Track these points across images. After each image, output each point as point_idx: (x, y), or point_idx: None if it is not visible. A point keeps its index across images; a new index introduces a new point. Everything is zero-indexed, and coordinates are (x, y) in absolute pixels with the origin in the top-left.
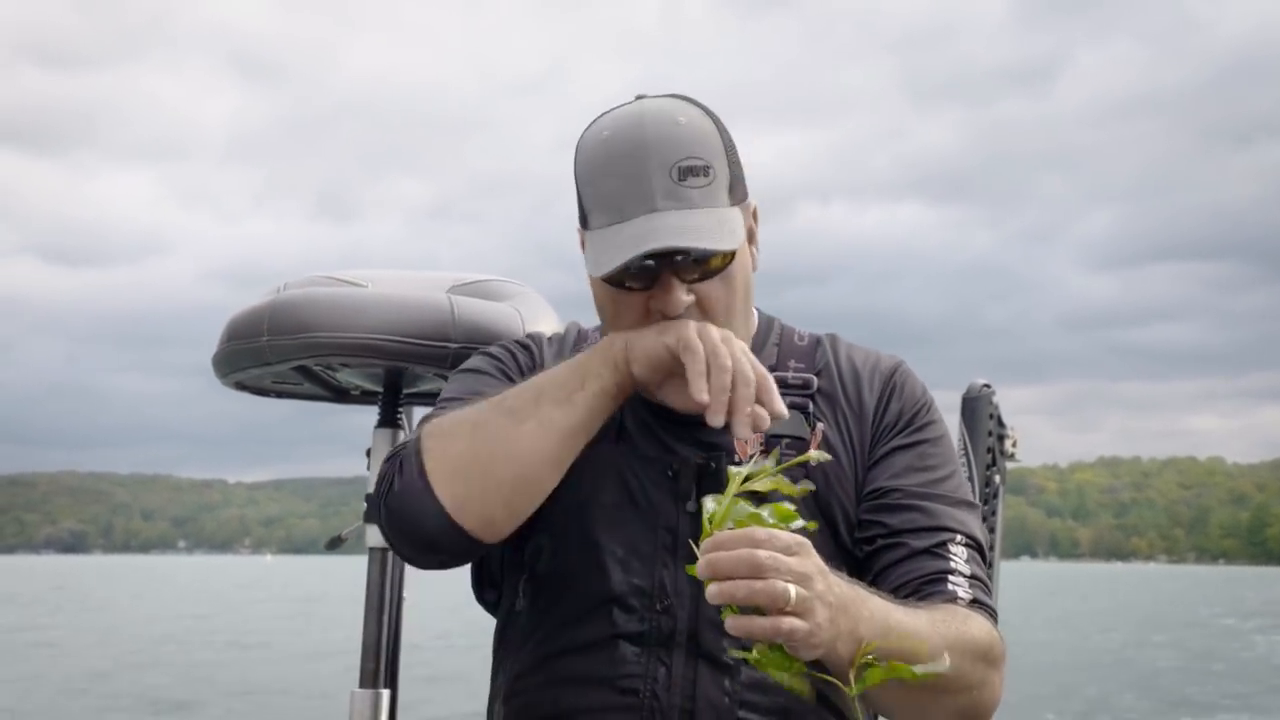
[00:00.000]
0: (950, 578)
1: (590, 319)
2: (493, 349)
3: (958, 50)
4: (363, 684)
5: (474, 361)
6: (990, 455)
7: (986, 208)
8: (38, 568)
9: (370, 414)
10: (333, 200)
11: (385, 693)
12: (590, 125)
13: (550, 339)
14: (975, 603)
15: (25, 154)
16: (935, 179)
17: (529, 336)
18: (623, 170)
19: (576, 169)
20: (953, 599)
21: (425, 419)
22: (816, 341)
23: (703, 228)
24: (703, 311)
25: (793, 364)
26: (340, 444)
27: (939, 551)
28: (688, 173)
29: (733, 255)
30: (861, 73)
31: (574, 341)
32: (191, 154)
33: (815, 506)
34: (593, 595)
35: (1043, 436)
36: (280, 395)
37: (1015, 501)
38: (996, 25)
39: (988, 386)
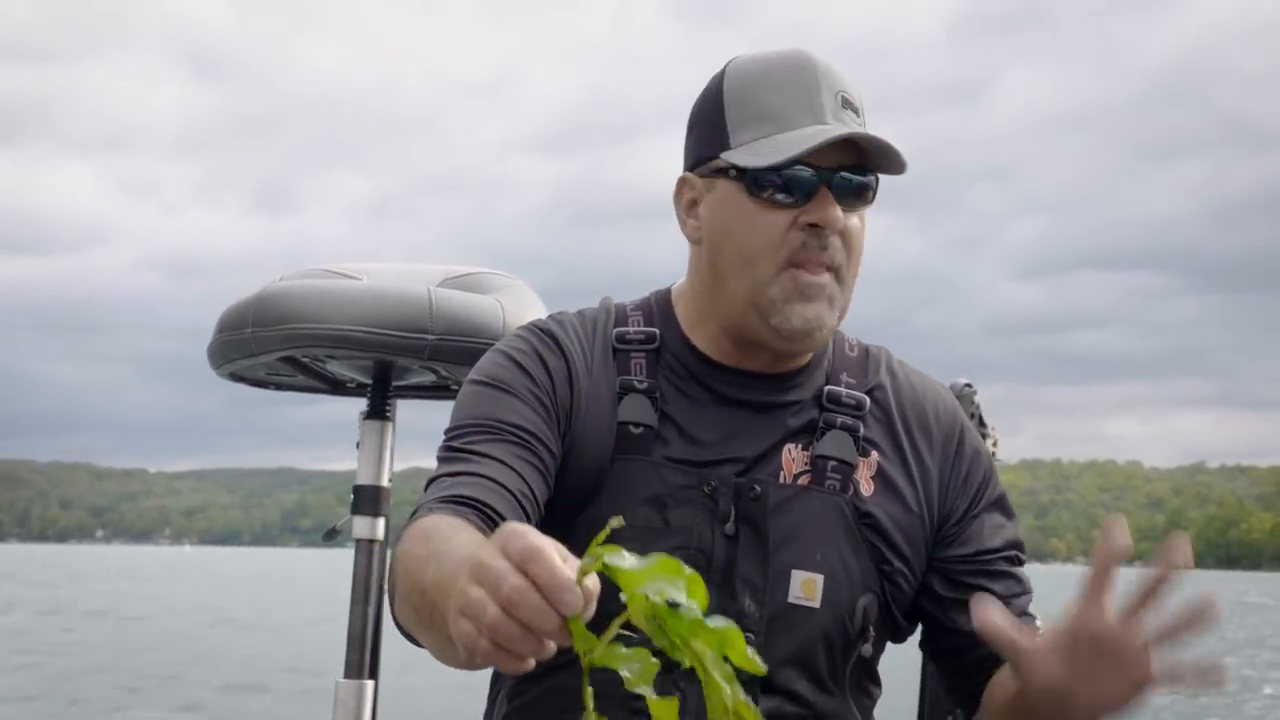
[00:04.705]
0: None
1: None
2: (507, 345)
3: (893, 66)
4: (348, 674)
5: (489, 365)
6: None
7: (917, 216)
8: None
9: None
10: (274, 194)
11: (369, 683)
12: (733, 60)
13: (582, 316)
14: None
15: None
16: None
17: (553, 320)
18: (789, 86)
19: (725, 91)
20: None
21: (428, 481)
22: (866, 353)
23: (887, 144)
24: (845, 243)
25: (845, 377)
26: (270, 435)
27: (1029, 615)
28: (848, 104)
29: (875, 192)
30: None
31: (614, 321)
32: (141, 147)
33: (860, 534)
34: (612, 616)
35: None
36: (279, 387)
37: None
38: (930, 44)
39: (969, 386)
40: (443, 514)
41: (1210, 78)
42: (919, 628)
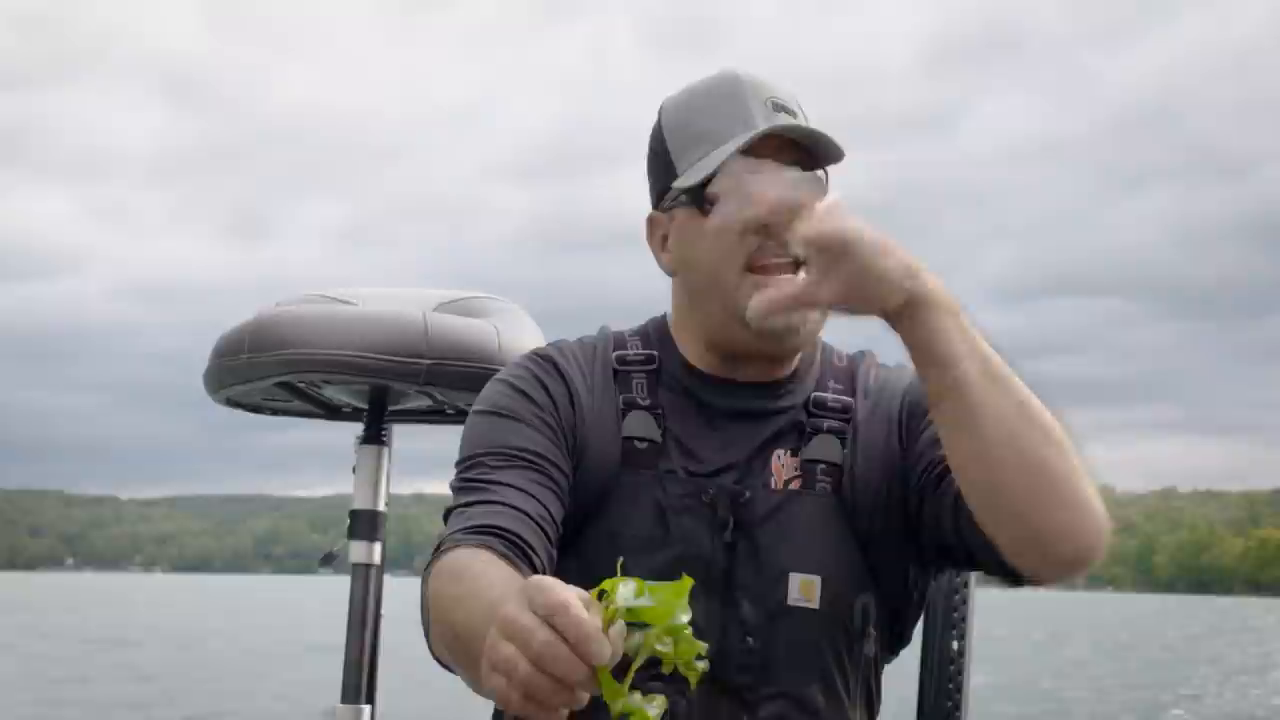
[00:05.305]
0: None
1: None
2: (508, 374)
3: (866, 95)
4: (345, 699)
5: (493, 395)
6: None
7: None
8: None
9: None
10: (250, 220)
11: (366, 708)
12: (667, 98)
13: (582, 343)
14: None
15: None
16: None
17: (551, 347)
18: (719, 104)
19: (664, 126)
20: None
21: (446, 513)
22: (853, 363)
23: (814, 129)
24: None
25: (832, 385)
26: (243, 462)
27: None
28: (780, 108)
29: (825, 184)
30: None
31: (613, 346)
32: (116, 174)
33: (853, 535)
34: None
35: None
36: (275, 412)
37: None
38: (902, 73)
39: None
40: (468, 548)
41: (1180, 106)
42: (917, 631)
